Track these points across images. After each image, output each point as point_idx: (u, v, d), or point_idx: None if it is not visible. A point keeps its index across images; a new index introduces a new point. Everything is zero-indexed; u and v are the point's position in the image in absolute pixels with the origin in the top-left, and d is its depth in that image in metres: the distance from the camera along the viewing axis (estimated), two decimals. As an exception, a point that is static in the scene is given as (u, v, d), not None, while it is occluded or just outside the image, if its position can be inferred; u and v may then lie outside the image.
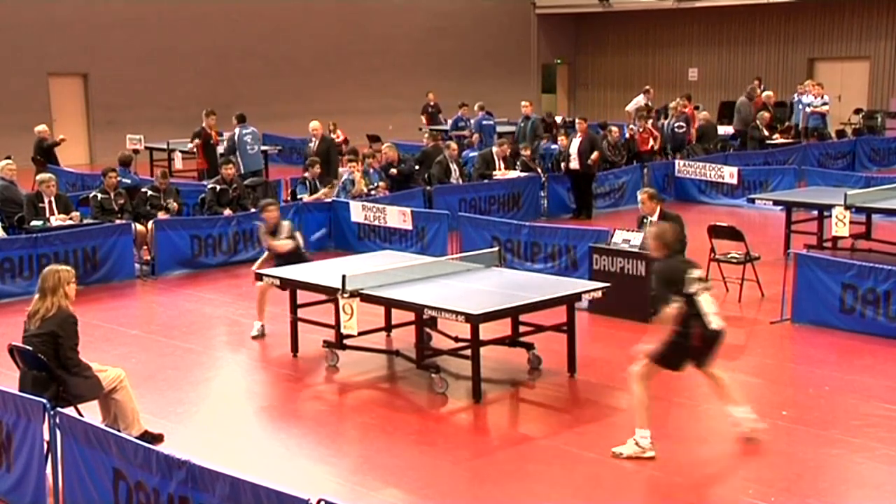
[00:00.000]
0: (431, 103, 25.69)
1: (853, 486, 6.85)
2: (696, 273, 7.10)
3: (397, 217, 13.43)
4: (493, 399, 8.48)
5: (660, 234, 7.35)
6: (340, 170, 16.92)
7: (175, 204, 13.88)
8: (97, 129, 24.93)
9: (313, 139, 16.83)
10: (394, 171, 15.88)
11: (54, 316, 7.01)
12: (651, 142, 19.32)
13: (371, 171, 15.63)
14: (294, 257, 10.37)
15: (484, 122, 21.59)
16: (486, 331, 8.59)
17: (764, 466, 7.06)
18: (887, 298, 9.68)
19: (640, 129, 19.43)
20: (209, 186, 14.37)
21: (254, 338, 10.30)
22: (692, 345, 7.03)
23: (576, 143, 16.56)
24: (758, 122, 20.91)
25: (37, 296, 7.16)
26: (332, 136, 21.76)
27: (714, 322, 7.05)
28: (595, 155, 16.53)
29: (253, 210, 14.30)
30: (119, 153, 16.54)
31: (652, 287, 7.43)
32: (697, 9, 30.70)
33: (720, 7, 30.30)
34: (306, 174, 15.47)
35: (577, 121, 17.03)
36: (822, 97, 22.45)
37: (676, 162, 18.30)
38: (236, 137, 16.76)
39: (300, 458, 7.39)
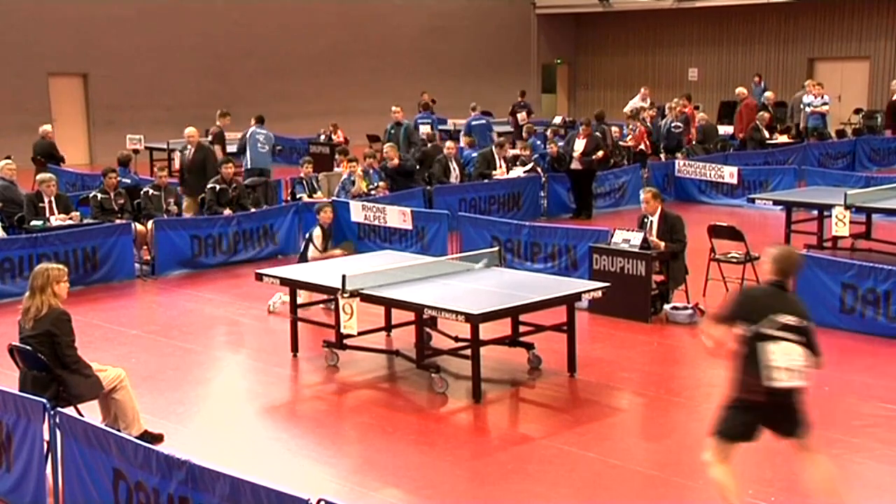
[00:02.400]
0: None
1: (853, 486, 6.84)
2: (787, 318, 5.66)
3: (397, 217, 13.44)
4: (493, 399, 8.48)
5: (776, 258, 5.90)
6: (338, 170, 16.91)
7: (175, 207, 13.88)
8: (97, 129, 24.93)
9: (188, 147, 15.61)
10: (395, 162, 15.86)
11: (47, 315, 7.00)
12: (641, 145, 19.37)
13: (371, 171, 15.63)
14: None
15: (473, 123, 21.60)
16: (486, 331, 8.59)
17: (764, 466, 7.05)
18: (887, 298, 9.68)
19: (635, 130, 19.46)
20: (209, 186, 14.36)
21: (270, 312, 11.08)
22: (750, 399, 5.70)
23: (580, 144, 16.56)
24: (758, 122, 20.91)
25: (27, 293, 7.17)
26: (334, 136, 21.85)
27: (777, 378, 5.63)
28: (601, 153, 16.55)
29: (253, 210, 14.32)
30: (119, 153, 16.54)
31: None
32: (697, 9, 30.70)
33: (720, 7, 30.31)
34: (301, 173, 15.46)
35: (581, 127, 16.98)
36: (823, 97, 22.45)
37: (676, 162, 18.32)
38: (248, 134, 16.79)
39: (300, 458, 7.39)
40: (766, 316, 5.63)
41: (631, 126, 19.94)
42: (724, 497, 5.86)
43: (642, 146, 19.42)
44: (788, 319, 5.66)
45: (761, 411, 5.69)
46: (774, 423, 5.79)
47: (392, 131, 18.32)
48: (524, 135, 20.25)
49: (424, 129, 20.60)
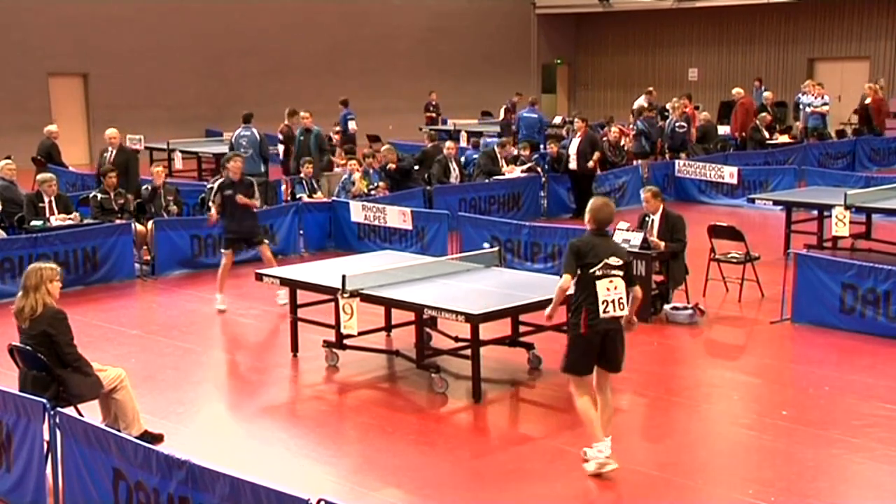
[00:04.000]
0: (433, 103, 26.31)
1: (853, 486, 6.85)
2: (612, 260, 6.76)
3: (397, 217, 13.44)
4: (493, 399, 8.48)
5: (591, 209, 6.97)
6: (339, 169, 16.91)
7: (175, 206, 13.87)
8: (97, 129, 24.88)
9: (109, 149, 15.05)
10: (392, 165, 15.87)
11: (42, 315, 6.99)
12: (623, 141, 19.31)
13: (371, 171, 15.63)
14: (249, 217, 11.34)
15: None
16: (486, 331, 8.59)
17: (764, 466, 7.06)
18: (887, 298, 9.68)
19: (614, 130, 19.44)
20: (209, 186, 14.36)
21: (220, 311, 11.13)
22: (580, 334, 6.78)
23: (575, 142, 16.56)
24: (758, 122, 20.90)
25: (20, 293, 7.16)
26: (334, 136, 21.83)
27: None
28: (596, 156, 16.53)
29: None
30: (118, 153, 16.51)
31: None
32: (697, 9, 30.71)
33: (720, 7, 30.32)
34: (301, 173, 15.45)
35: (575, 121, 17.01)
36: (823, 97, 22.45)
37: (676, 162, 18.32)
38: (233, 138, 16.73)
39: (300, 458, 7.39)
40: (597, 260, 6.74)
41: (621, 124, 19.94)
42: (591, 433, 6.82)
43: (625, 144, 19.36)
44: (613, 260, 6.78)
45: (595, 342, 6.76)
46: (604, 353, 6.82)
47: (301, 138, 17.11)
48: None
49: (352, 126, 20.94)
